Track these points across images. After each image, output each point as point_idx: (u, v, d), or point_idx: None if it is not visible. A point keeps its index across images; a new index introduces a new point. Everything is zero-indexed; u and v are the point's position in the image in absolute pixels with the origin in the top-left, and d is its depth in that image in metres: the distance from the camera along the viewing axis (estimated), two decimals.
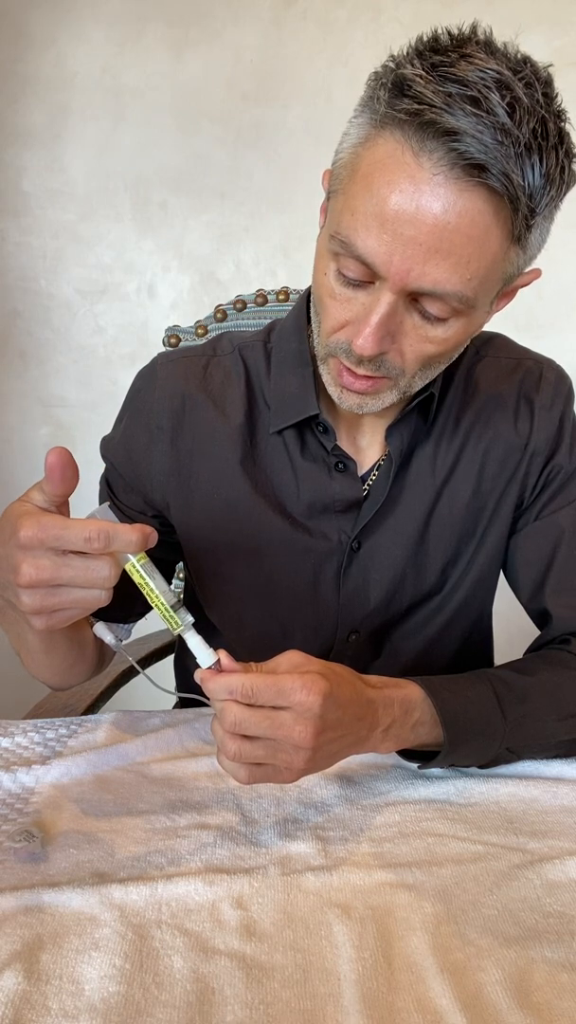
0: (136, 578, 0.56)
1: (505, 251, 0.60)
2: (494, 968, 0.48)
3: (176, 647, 1.07)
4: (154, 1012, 0.44)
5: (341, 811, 0.64)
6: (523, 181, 0.56)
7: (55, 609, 0.54)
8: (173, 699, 1.12)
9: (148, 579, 0.56)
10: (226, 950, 0.49)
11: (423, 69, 0.55)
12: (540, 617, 0.84)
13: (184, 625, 0.57)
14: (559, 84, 0.58)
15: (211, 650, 0.57)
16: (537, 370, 0.84)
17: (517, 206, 0.57)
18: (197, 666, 0.58)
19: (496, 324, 0.74)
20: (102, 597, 0.54)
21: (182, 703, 1.09)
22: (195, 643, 0.57)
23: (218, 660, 0.57)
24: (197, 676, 0.57)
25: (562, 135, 0.57)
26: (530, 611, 0.85)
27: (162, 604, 0.56)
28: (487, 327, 0.88)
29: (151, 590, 0.56)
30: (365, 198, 0.59)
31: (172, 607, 0.57)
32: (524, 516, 0.84)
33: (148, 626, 1.04)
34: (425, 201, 0.57)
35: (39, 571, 0.52)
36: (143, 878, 0.55)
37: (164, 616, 0.57)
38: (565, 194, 0.60)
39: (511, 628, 1.08)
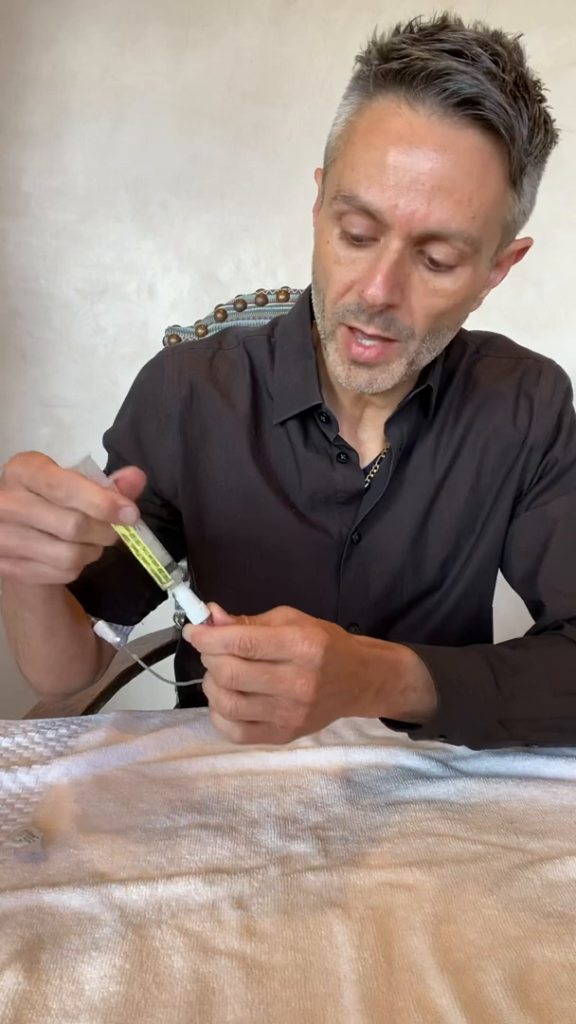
0: (120, 530, 0.52)
1: (503, 192, 0.62)
2: (494, 968, 0.48)
3: (177, 647, 1.07)
4: (154, 1012, 0.44)
5: (341, 811, 0.64)
6: (517, 114, 0.58)
7: (20, 556, 0.51)
8: (173, 699, 1.13)
9: (135, 530, 0.52)
10: (226, 950, 0.49)
11: (407, 39, 0.60)
12: (534, 606, 0.84)
13: (173, 580, 0.54)
14: (559, 85, 0.60)
15: (202, 604, 0.54)
16: (536, 368, 0.84)
17: (513, 136, 0.59)
18: (196, 655, 0.54)
19: (496, 324, 0.74)
20: (63, 554, 0.50)
21: (183, 703, 1.09)
22: (185, 597, 0.54)
23: (210, 616, 0.54)
24: (187, 633, 0.54)
25: (540, 93, 0.61)
26: (524, 600, 0.86)
27: (149, 557, 0.53)
28: (486, 328, 0.89)
29: (136, 542, 0.52)
30: (364, 151, 0.61)
31: (161, 561, 0.53)
32: (518, 507, 0.84)
33: (148, 626, 1.04)
34: (424, 144, 0.59)
35: (9, 502, 0.49)
36: (143, 878, 0.55)
37: (152, 570, 0.54)
38: (550, 148, 0.63)
39: (511, 624, 1.08)
